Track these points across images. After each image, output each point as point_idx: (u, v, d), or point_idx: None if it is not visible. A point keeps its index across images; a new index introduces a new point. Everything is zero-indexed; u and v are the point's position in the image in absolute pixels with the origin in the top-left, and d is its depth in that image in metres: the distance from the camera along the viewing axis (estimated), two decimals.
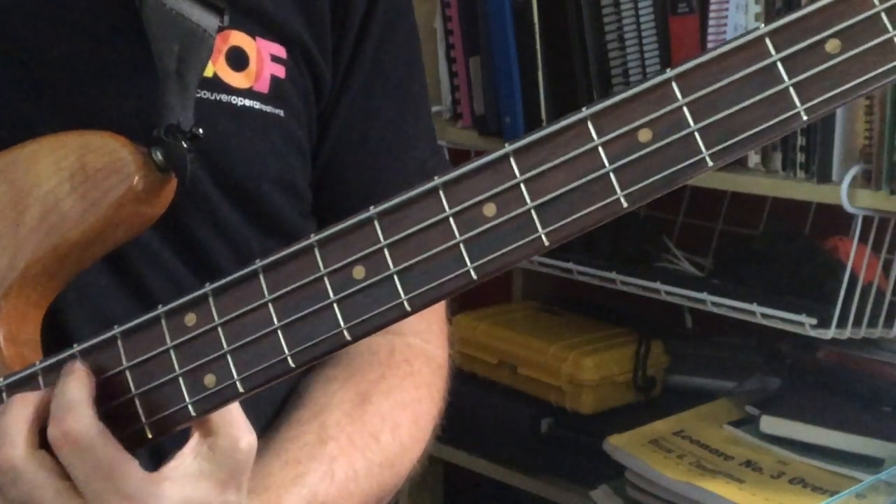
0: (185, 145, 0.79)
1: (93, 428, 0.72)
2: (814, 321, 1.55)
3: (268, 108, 0.91)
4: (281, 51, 0.92)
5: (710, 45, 1.62)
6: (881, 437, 1.54)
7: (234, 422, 0.75)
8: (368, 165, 0.98)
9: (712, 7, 1.62)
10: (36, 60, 0.85)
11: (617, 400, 1.86)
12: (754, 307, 1.60)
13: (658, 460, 1.60)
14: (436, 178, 0.69)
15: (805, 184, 1.56)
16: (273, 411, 0.93)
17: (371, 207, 0.70)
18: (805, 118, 0.63)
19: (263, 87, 0.90)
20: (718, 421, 1.70)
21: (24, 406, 0.74)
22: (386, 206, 0.70)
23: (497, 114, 1.87)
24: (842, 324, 1.55)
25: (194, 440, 0.75)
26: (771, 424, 1.62)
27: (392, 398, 0.95)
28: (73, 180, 0.78)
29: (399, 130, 1.00)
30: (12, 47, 0.85)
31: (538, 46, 1.80)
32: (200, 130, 0.80)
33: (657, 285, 1.72)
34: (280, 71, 0.92)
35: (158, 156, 0.79)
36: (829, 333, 1.54)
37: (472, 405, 1.86)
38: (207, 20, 0.84)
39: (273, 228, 0.93)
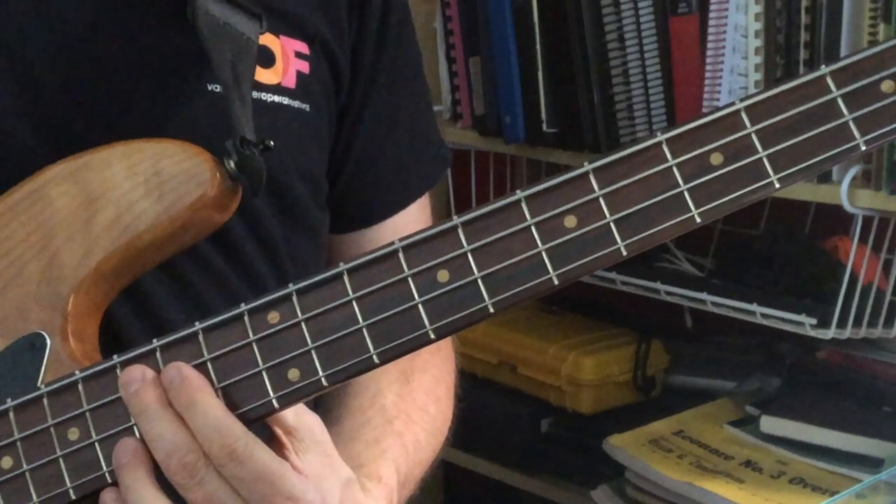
0: (259, 157, 0.82)
1: (246, 437, 0.74)
2: (814, 321, 1.55)
3: (295, 104, 0.94)
4: (304, 47, 0.95)
5: (709, 46, 1.62)
6: (881, 437, 1.54)
7: (301, 411, 0.78)
8: (395, 156, 1.03)
9: (712, 7, 1.62)
10: (92, 69, 0.87)
11: (617, 400, 1.86)
12: (754, 307, 1.60)
13: (658, 460, 1.60)
14: (517, 192, 0.73)
15: (805, 184, 1.56)
16: None
17: (454, 217, 0.74)
18: (864, 149, 0.70)
19: (290, 82, 0.93)
20: (718, 421, 1.70)
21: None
22: (469, 216, 0.74)
23: (497, 114, 1.87)
24: (842, 324, 1.55)
25: (288, 443, 0.78)
26: (771, 424, 1.62)
27: (429, 374, 1.02)
28: (148, 184, 0.81)
29: (417, 122, 1.05)
30: (69, 59, 0.87)
31: (538, 46, 1.80)
32: (272, 143, 0.83)
33: (657, 285, 1.72)
34: (304, 67, 0.94)
35: (231, 165, 0.82)
36: (829, 333, 1.54)
37: (472, 405, 1.85)
38: (250, 27, 0.88)
39: (297, 221, 0.96)
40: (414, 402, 0.98)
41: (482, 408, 1.90)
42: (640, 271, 1.76)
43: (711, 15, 1.62)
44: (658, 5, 1.69)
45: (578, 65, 1.75)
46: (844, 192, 1.50)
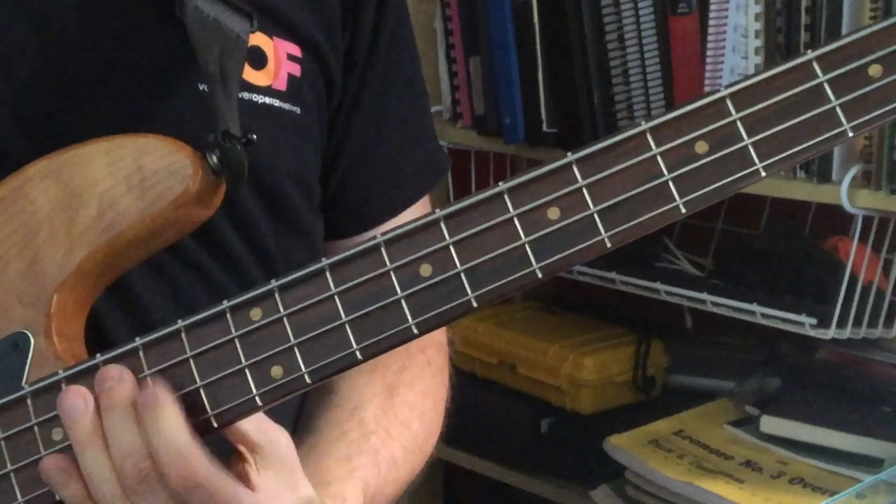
0: (241, 150, 0.81)
1: (209, 467, 0.74)
2: (814, 321, 1.55)
3: (286, 106, 0.93)
4: (296, 50, 0.94)
5: (709, 46, 1.63)
6: (881, 437, 1.54)
7: (266, 428, 0.77)
8: (386, 161, 1.01)
9: (712, 7, 1.62)
10: (78, 64, 0.87)
11: (617, 400, 1.86)
12: (754, 307, 1.60)
13: (658, 460, 1.60)
14: (500, 184, 0.72)
15: (805, 184, 1.56)
16: (291, 420, 0.96)
17: (437, 210, 0.73)
18: (851, 135, 0.69)
19: (281, 84, 0.93)
20: (718, 421, 1.70)
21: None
22: (451, 209, 0.73)
23: (497, 114, 1.87)
24: (842, 324, 1.55)
25: (249, 458, 0.77)
26: (771, 424, 1.62)
27: (416, 388, 1.00)
28: (130, 181, 0.80)
29: (410, 127, 1.03)
30: (54, 53, 0.86)
31: (538, 46, 1.80)
32: (254, 136, 0.82)
33: (657, 285, 1.72)
34: (296, 69, 0.94)
35: (214, 159, 0.81)
36: (829, 333, 1.54)
37: (472, 405, 1.86)
38: (239, 25, 0.87)
39: (289, 224, 0.95)
40: (396, 418, 0.96)
41: (482, 408, 1.90)
42: (640, 271, 1.76)
43: (711, 15, 1.62)
44: (658, 5, 1.69)
45: (578, 65, 1.75)
46: (844, 192, 1.50)
